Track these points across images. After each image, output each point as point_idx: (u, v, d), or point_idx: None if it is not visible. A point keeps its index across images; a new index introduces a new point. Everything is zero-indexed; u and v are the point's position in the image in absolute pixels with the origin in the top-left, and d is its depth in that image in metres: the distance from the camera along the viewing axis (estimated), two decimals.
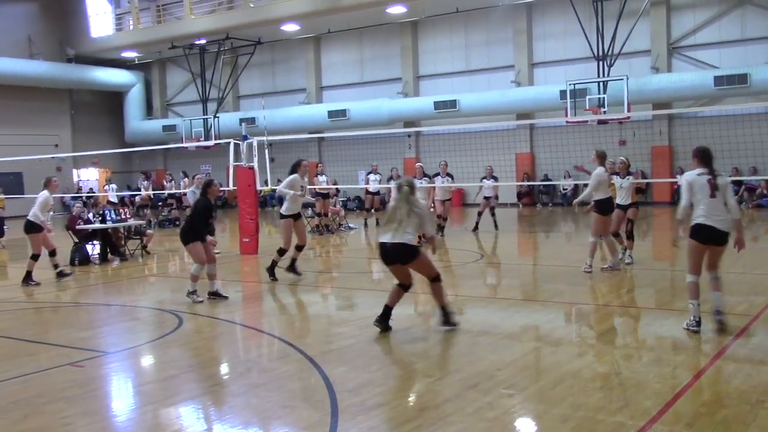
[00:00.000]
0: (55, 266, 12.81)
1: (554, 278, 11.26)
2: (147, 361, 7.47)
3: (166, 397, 6.02)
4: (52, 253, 12.76)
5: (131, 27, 33.71)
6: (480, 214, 18.58)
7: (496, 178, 18.71)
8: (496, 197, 19.16)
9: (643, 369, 6.25)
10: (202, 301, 9.88)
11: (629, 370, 6.28)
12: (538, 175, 27.92)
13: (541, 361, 6.77)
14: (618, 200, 12.04)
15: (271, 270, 11.65)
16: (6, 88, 32.07)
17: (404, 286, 7.72)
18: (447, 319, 7.78)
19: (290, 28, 29.86)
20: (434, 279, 7.73)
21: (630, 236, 12.01)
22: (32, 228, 12.39)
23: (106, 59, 35.24)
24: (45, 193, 12.45)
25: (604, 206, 11.21)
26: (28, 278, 12.26)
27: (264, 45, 31.88)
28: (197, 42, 31.32)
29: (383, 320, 7.69)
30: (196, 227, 9.98)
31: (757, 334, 7.30)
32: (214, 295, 10.16)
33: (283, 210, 11.74)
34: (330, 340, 7.79)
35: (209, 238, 10.36)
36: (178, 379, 6.53)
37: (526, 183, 26.84)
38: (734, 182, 23.36)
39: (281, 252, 11.67)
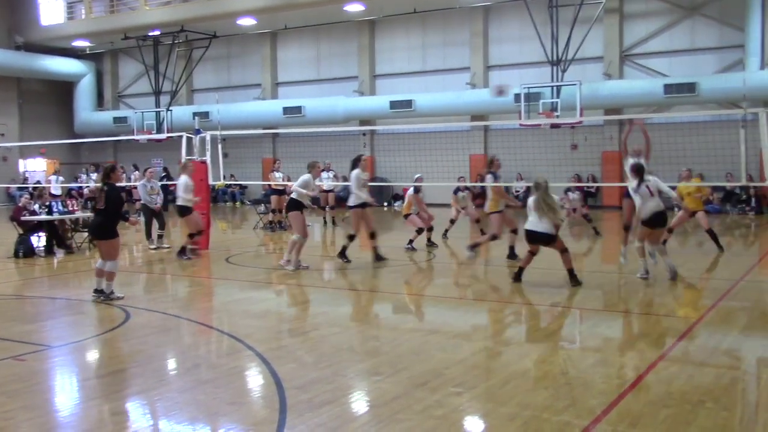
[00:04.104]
0: None
1: (504, 278, 11.36)
2: (92, 355, 7.33)
3: (111, 392, 5.90)
4: None
5: (83, 16, 32.96)
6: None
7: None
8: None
9: (589, 369, 6.34)
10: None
11: (576, 369, 6.37)
12: None
13: (490, 360, 6.83)
14: None
15: (341, 254, 12.76)
16: None
17: (534, 253, 10.33)
18: (575, 280, 10.10)
19: (246, 22, 29.59)
20: (564, 251, 10.17)
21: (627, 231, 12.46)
22: None
23: (57, 48, 34.37)
24: None
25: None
26: None
27: (220, 39, 31.52)
28: (151, 33, 30.81)
29: (518, 276, 10.43)
30: (116, 219, 9.59)
31: (699, 336, 7.48)
32: (101, 294, 9.61)
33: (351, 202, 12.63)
34: (280, 337, 7.75)
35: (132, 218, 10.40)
36: (124, 374, 6.42)
37: (479, 184, 26.97)
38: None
39: (351, 238, 12.82)
